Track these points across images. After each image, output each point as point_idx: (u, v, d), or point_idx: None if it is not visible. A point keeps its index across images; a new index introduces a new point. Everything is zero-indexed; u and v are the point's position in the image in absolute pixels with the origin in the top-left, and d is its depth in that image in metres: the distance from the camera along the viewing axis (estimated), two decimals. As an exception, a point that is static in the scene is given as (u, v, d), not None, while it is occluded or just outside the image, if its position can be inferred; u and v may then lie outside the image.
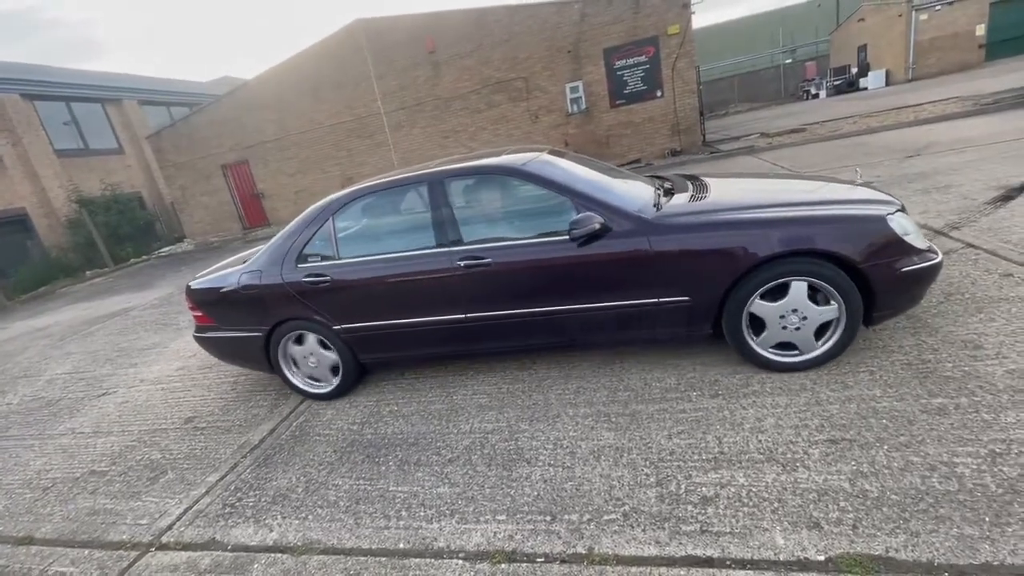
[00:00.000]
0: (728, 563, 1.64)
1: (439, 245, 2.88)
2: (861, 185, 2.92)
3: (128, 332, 6.54)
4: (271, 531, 2.28)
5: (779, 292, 2.46)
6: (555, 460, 2.33)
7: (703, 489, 1.97)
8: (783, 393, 2.45)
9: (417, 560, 1.93)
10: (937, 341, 2.58)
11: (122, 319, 7.45)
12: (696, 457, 2.15)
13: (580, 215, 2.56)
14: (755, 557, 1.64)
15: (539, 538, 1.91)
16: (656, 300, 2.59)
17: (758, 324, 2.55)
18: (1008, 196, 4.50)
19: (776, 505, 1.83)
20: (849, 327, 2.45)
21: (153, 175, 18.13)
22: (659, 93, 11.71)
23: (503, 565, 1.82)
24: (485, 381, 3.17)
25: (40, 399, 4.71)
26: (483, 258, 2.77)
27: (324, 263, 3.11)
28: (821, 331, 2.50)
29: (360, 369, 3.34)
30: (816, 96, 24.10)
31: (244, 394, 3.78)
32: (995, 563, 1.47)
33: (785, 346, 2.57)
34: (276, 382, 3.78)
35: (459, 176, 3.00)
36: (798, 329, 2.49)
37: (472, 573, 1.82)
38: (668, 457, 2.19)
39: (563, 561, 1.79)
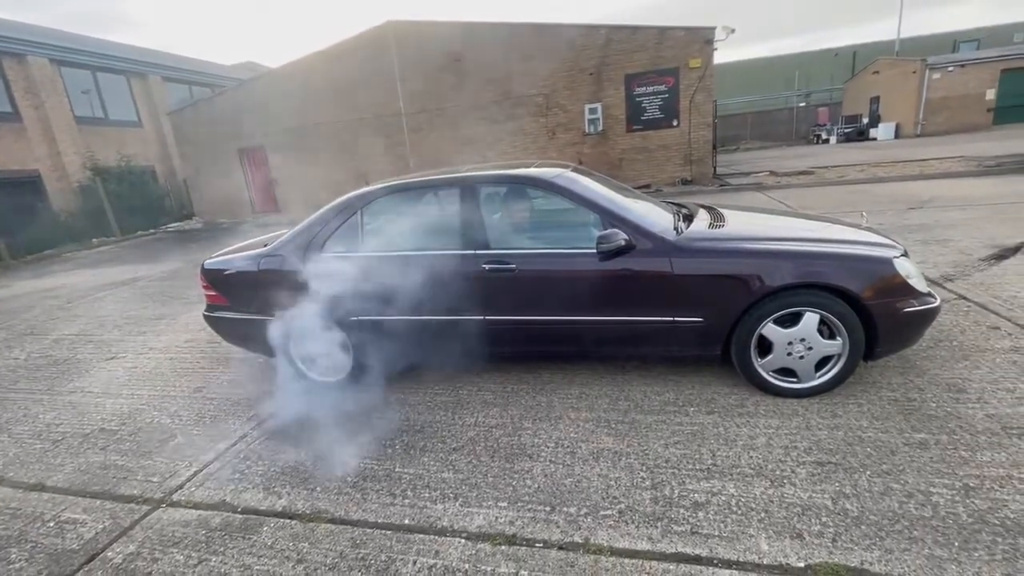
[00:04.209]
0: (715, 562, 1.77)
1: (465, 247, 3.00)
2: (865, 229, 3.09)
3: (136, 301, 6.64)
4: (280, 498, 2.39)
5: (790, 320, 2.61)
6: (556, 457, 2.46)
7: (695, 495, 2.10)
8: (775, 416, 2.59)
9: (421, 536, 2.05)
10: (924, 382, 2.73)
11: (130, 288, 7.55)
12: (690, 466, 2.28)
13: (607, 231, 2.70)
14: (740, 559, 1.77)
15: (538, 526, 2.03)
16: (672, 319, 2.73)
17: (765, 348, 2.69)
18: (1002, 255, 4.69)
19: (763, 515, 1.96)
20: (849, 362, 2.60)
21: (168, 151, 18.29)
22: (675, 123, 12.00)
23: (503, 547, 1.94)
24: (491, 379, 3.30)
25: (47, 357, 4.80)
26: (508, 263, 2.89)
27: (348, 254, 3.22)
28: (821, 364, 2.65)
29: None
30: (826, 141, 24.57)
31: (255, 369, 3.89)
32: (960, 582, 1.61)
33: (785, 372, 2.71)
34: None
35: (491, 183, 3.14)
36: (801, 358, 2.63)
37: (474, 551, 1.93)
38: (664, 464, 2.32)
39: (560, 548, 1.91)
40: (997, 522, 1.80)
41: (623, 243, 2.66)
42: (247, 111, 14.85)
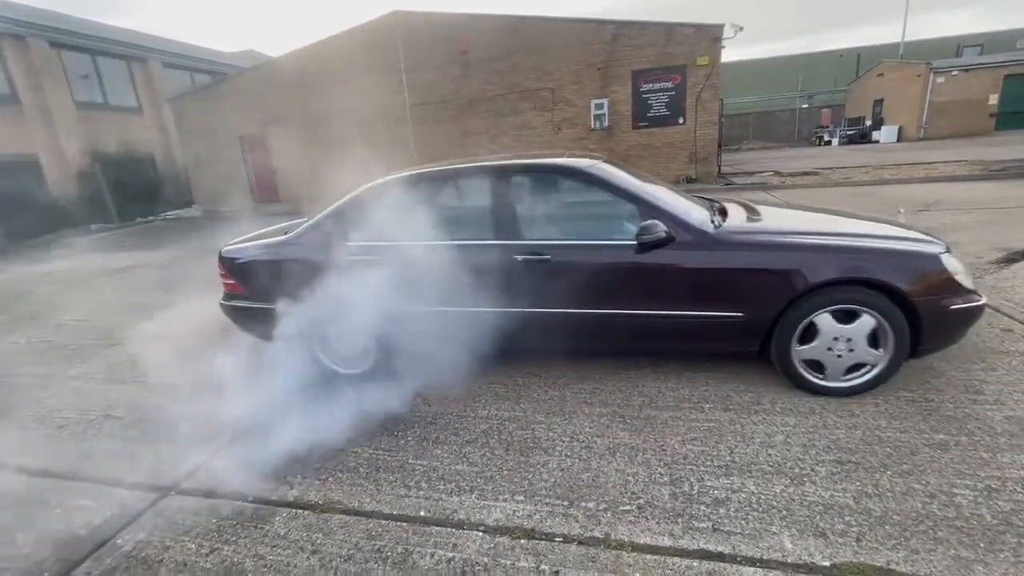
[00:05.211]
0: (739, 559, 1.75)
1: (497, 237, 2.93)
2: (902, 225, 3.03)
3: (138, 288, 6.58)
4: (292, 488, 2.35)
5: (846, 317, 2.53)
6: (571, 452, 2.43)
7: (715, 492, 2.08)
8: (792, 414, 2.57)
9: (438, 528, 2.02)
10: (941, 383, 2.71)
11: (131, 275, 7.48)
12: (708, 463, 2.26)
13: (647, 222, 2.63)
14: (764, 557, 1.75)
15: (557, 520, 2.00)
16: (710, 313, 2.67)
17: (805, 338, 2.60)
18: (1012, 259, 4.68)
19: (784, 513, 1.94)
20: (887, 370, 2.55)
21: (168, 138, 18.11)
22: (681, 120, 11.95)
23: (523, 541, 1.91)
24: (502, 373, 3.27)
25: (49, 342, 4.74)
26: (543, 255, 2.82)
27: (374, 243, 3.11)
28: (852, 367, 2.60)
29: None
30: (828, 143, 24.55)
31: (261, 357, 3.84)
32: (987, 584, 1.59)
33: (814, 365, 2.65)
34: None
35: (523, 172, 3.08)
36: (839, 356, 2.57)
37: (492, 544, 1.91)
38: (681, 460, 2.30)
39: (580, 543, 1.88)
40: (1022, 524, 1.79)
41: (664, 235, 2.59)
42: (249, 99, 14.71)
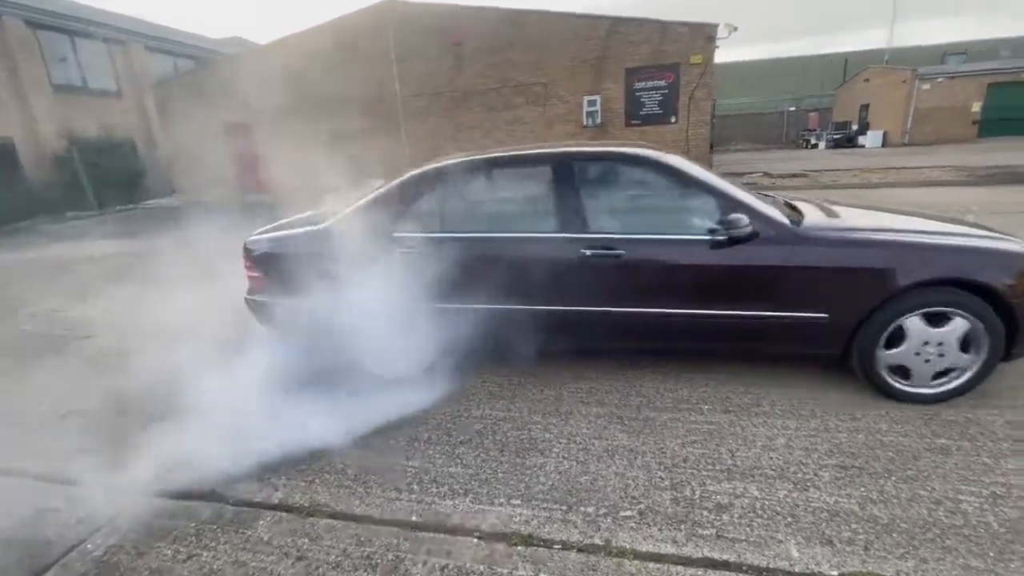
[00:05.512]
0: (745, 568, 1.68)
1: (560, 230, 2.76)
2: (972, 225, 2.89)
3: (114, 279, 6.34)
4: (276, 490, 2.24)
5: (936, 320, 2.40)
6: (569, 454, 2.35)
7: (718, 497, 2.02)
8: (793, 417, 2.52)
9: (430, 534, 1.93)
10: (940, 386, 2.68)
11: (106, 264, 7.22)
12: (710, 467, 2.20)
13: (732, 216, 2.48)
14: (771, 566, 1.69)
15: (555, 525, 1.92)
16: (793, 314, 2.53)
17: (892, 342, 2.49)
18: None
19: (789, 519, 1.88)
20: (979, 374, 2.43)
21: (149, 124, 17.60)
22: (673, 119, 11.90)
23: (520, 547, 1.83)
24: (495, 372, 3.17)
25: (22, 331, 4.53)
26: (615, 249, 2.66)
27: (427, 235, 2.91)
28: (939, 373, 2.49)
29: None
30: (816, 146, 24.79)
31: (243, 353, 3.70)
32: (999, 595, 1.55)
33: (898, 371, 2.53)
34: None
35: (588, 160, 2.91)
36: (927, 361, 2.45)
37: (488, 552, 1.82)
38: (682, 464, 2.23)
39: (580, 550, 1.80)
40: (1031, 533, 1.75)
41: (751, 230, 2.46)
42: (235, 87, 14.33)
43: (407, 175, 3.07)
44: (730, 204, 2.59)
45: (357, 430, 2.58)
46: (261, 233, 3.34)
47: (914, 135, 21.97)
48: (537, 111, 12.46)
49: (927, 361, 2.45)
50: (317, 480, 2.29)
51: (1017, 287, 2.32)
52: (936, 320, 2.41)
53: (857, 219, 2.87)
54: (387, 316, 2.86)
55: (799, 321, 2.54)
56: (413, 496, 2.14)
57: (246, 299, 3.36)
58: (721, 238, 2.52)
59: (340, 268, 2.90)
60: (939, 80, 21.78)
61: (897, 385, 2.53)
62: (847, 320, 2.48)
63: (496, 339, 2.89)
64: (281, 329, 3.33)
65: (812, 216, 2.80)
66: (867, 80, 25.51)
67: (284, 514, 2.09)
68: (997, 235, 2.64)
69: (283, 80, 13.96)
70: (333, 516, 2.06)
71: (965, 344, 2.41)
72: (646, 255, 2.66)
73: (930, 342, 2.41)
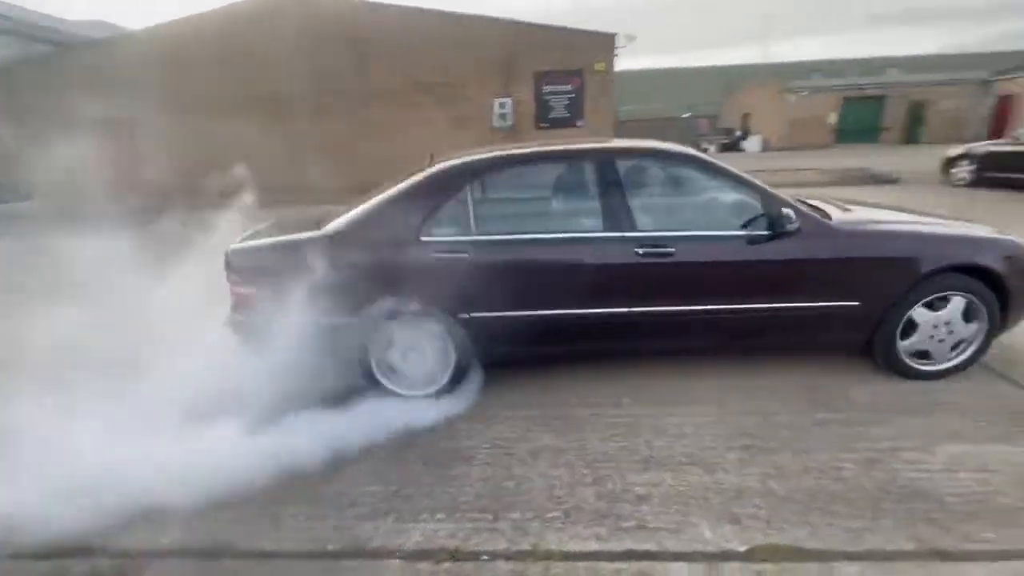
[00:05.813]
0: (665, 556, 1.76)
1: (609, 229, 2.69)
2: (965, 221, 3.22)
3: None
4: (165, 532, 1.97)
5: (937, 304, 2.70)
6: (493, 459, 2.33)
7: (637, 488, 2.10)
8: (699, 403, 2.70)
9: (350, 562, 1.80)
10: (824, 367, 3.02)
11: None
12: (628, 459, 2.28)
13: (781, 211, 2.59)
14: (688, 550, 1.78)
15: (482, 536, 1.88)
16: (828, 304, 2.71)
17: (906, 332, 2.75)
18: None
19: (702, 502, 2.00)
20: (985, 343, 2.75)
21: (-7, 117, 15.05)
22: (580, 122, 12.39)
23: (447, 564, 1.77)
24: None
25: None
26: (666, 247, 2.63)
27: (461, 238, 2.69)
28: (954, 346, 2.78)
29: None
30: (707, 150, 27.10)
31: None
32: (876, 549, 1.75)
33: (920, 355, 2.80)
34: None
35: (629, 156, 2.90)
36: (941, 341, 2.74)
37: (414, 572, 1.74)
38: (603, 458, 2.30)
39: (508, 558, 1.78)
40: (897, 491, 2.01)
41: (798, 225, 2.58)
42: (105, 77, 12.65)
43: (430, 172, 2.83)
44: (771, 200, 2.69)
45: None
46: (248, 241, 2.90)
47: (787, 140, 24.79)
48: (445, 112, 12.36)
49: (941, 341, 2.75)
50: (218, 516, 2.04)
51: (1012, 271, 2.68)
52: (936, 304, 2.71)
53: (871, 214, 3.15)
54: (417, 331, 2.70)
55: (835, 310, 2.73)
56: (330, 523, 1.99)
57: (231, 319, 2.84)
58: (764, 233, 2.64)
59: (357, 279, 2.62)
60: (804, 93, 24.81)
61: (920, 367, 2.82)
62: (876, 307, 2.71)
63: (538, 348, 2.84)
64: (276, 352, 2.66)
65: (836, 213, 3.01)
66: (747, 92, 28.41)
67: (178, 559, 1.85)
68: (988, 228, 3.00)
69: (166, 71, 12.60)
70: (238, 556, 1.86)
71: (967, 316, 2.73)
72: (696, 252, 2.69)
73: (939, 324, 2.72)
